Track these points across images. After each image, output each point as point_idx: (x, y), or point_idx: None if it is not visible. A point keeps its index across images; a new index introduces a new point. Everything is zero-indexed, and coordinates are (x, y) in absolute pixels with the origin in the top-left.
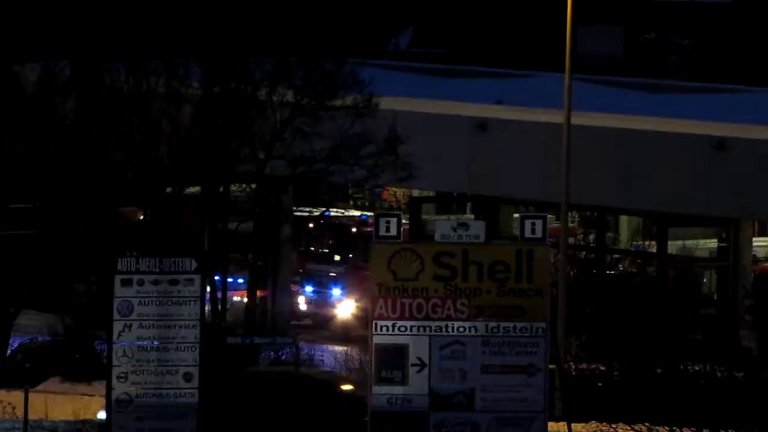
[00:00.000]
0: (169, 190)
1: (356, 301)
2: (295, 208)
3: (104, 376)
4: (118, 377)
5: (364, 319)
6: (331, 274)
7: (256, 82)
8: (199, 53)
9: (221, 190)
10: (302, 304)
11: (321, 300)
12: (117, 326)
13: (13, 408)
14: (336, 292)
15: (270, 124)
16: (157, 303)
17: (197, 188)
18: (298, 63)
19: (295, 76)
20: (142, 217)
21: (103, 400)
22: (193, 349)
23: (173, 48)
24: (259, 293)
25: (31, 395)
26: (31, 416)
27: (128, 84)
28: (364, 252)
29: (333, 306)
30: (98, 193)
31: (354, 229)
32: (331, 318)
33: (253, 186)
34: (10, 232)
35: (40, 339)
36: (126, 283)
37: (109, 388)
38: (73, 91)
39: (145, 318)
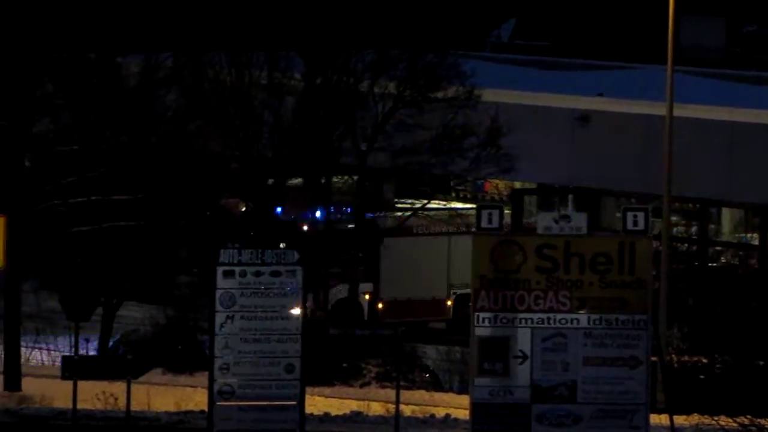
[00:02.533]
0: (271, 181)
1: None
2: (396, 200)
3: (206, 368)
4: (220, 368)
5: None
6: None
7: (358, 73)
8: (302, 45)
9: (323, 181)
10: None
11: None
12: (219, 318)
13: (116, 399)
14: None
15: (372, 115)
16: (259, 294)
17: (299, 180)
18: (401, 55)
19: (397, 68)
20: (244, 209)
21: (205, 392)
22: (295, 340)
23: (276, 40)
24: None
25: (133, 386)
26: (134, 407)
27: (230, 76)
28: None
29: None
30: (200, 185)
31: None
32: None
33: (355, 178)
34: (113, 224)
35: (142, 330)
36: (228, 274)
37: (212, 380)
38: (175, 83)
39: (247, 309)
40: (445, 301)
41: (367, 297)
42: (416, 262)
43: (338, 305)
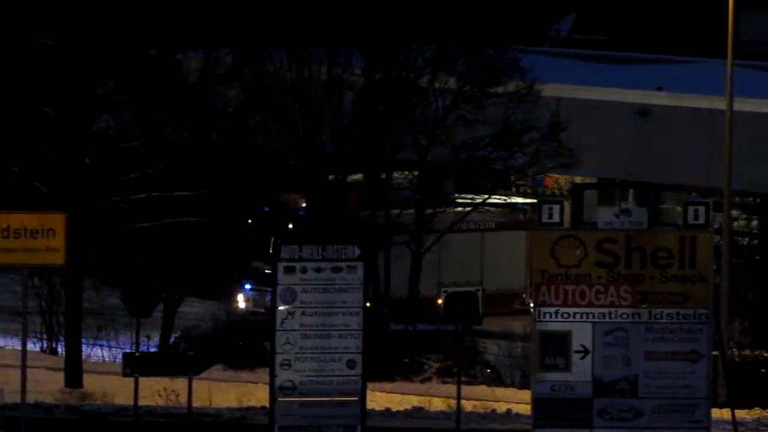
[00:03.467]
0: (331, 177)
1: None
2: (457, 195)
3: (267, 364)
4: (281, 364)
5: None
6: (267, 271)
7: (418, 69)
8: (362, 40)
9: (383, 177)
10: (241, 302)
11: (260, 298)
12: (280, 314)
13: (177, 396)
14: None
15: (432, 111)
16: (320, 290)
17: (360, 175)
18: (460, 50)
19: (457, 63)
20: (304, 205)
21: (266, 387)
22: (357, 336)
23: (336, 35)
24: None
25: (194, 383)
26: (195, 403)
27: (290, 71)
28: None
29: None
30: (261, 181)
31: None
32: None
33: (415, 173)
34: (173, 220)
35: (203, 327)
36: (289, 270)
37: (273, 376)
38: (236, 79)
39: (308, 305)
40: (434, 300)
41: None
42: None
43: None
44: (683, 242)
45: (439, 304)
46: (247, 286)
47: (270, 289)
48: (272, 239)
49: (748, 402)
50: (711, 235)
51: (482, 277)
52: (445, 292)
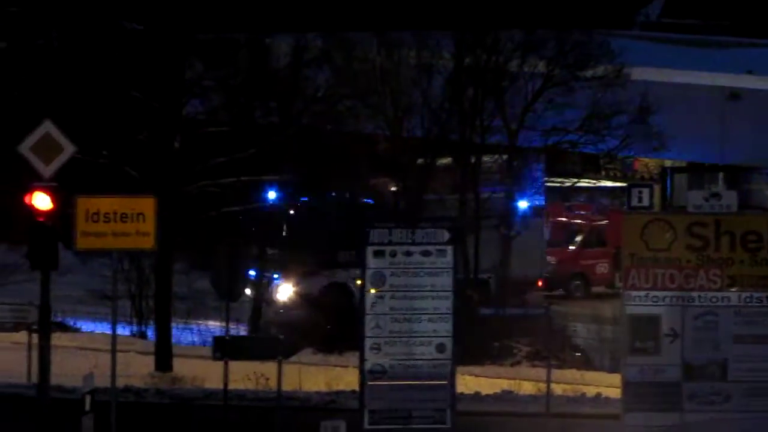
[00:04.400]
0: (420, 161)
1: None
2: (546, 178)
3: (356, 347)
4: (371, 348)
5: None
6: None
7: (507, 52)
8: (451, 24)
9: (473, 161)
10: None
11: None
12: (370, 297)
13: (267, 380)
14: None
15: (521, 94)
16: (410, 274)
17: (449, 159)
18: (550, 33)
19: (546, 47)
20: (393, 189)
21: (355, 371)
22: (446, 320)
23: (425, 19)
24: None
25: (284, 367)
26: (285, 387)
27: (380, 56)
28: None
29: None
30: (350, 165)
31: None
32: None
33: (505, 157)
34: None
35: (292, 310)
36: (378, 254)
37: (362, 359)
38: (325, 63)
39: (397, 289)
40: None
41: (359, 282)
42: None
43: (328, 290)
44: None
45: None
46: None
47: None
48: (362, 223)
49: None
50: None
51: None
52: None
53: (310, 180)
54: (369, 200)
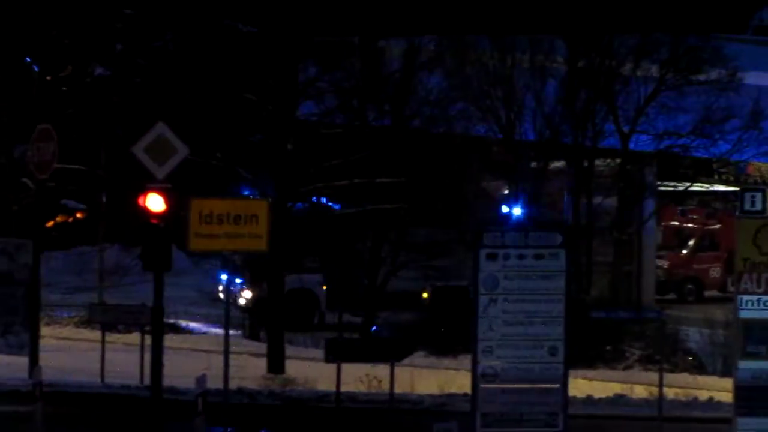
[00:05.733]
0: (533, 164)
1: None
2: (658, 183)
3: (469, 350)
4: (483, 351)
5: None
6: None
7: (620, 56)
8: (564, 28)
9: (585, 164)
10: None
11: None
12: (482, 300)
13: (379, 382)
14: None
15: (634, 98)
16: (523, 277)
17: (561, 163)
18: (663, 37)
19: (659, 51)
20: (506, 192)
21: (467, 374)
22: (559, 323)
23: (539, 22)
24: None
25: (396, 369)
26: (397, 390)
27: (493, 59)
28: None
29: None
30: (462, 168)
31: None
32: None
33: (617, 161)
34: (376, 207)
35: (405, 313)
36: (491, 257)
37: (475, 362)
38: (438, 66)
39: (510, 292)
40: (419, 293)
41: (324, 288)
42: None
43: (289, 295)
44: None
45: (425, 299)
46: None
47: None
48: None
49: None
50: None
51: None
52: (432, 286)
53: (422, 182)
54: (335, 205)
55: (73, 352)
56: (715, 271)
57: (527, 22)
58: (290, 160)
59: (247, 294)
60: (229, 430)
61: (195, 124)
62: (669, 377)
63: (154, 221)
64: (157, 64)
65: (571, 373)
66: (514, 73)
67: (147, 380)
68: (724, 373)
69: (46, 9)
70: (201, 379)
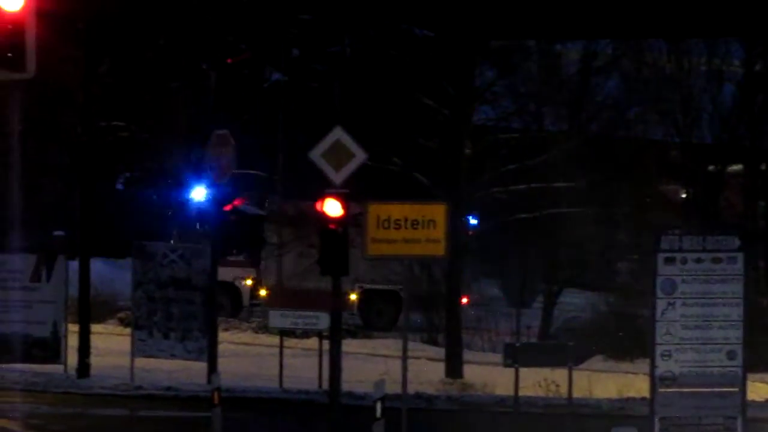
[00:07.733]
0: (711, 168)
1: None
2: None
3: (647, 354)
4: (661, 355)
5: None
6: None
7: None
8: (741, 31)
9: (763, 167)
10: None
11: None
12: (660, 304)
13: (557, 386)
14: None
15: None
16: (700, 281)
17: (739, 166)
18: None
19: None
20: (684, 196)
21: (645, 378)
22: (737, 327)
23: (715, 26)
24: None
25: (574, 373)
26: (575, 394)
27: (670, 62)
28: None
29: None
30: (640, 172)
31: None
32: None
33: None
34: (553, 211)
35: (583, 317)
36: (669, 261)
37: (653, 366)
38: (615, 69)
39: (688, 296)
40: (347, 294)
41: (248, 282)
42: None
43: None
44: None
45: (352, 300)
46: None
47: None
48: (653, 230)
49: None
50: None
51: None
52: (360, 287)
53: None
54: (261, 212)
55: (251, 357)
56: None
57: (704, 26)
58: (467, 165)
59: None
60: None
61: (371, 129)
62: None
63: (331, 226)
64: (333, 69)
65: (749, 376)
66: (691, 77)
67: (325, 385)
68: None
69: (223, 15)
70: (379, 384)
